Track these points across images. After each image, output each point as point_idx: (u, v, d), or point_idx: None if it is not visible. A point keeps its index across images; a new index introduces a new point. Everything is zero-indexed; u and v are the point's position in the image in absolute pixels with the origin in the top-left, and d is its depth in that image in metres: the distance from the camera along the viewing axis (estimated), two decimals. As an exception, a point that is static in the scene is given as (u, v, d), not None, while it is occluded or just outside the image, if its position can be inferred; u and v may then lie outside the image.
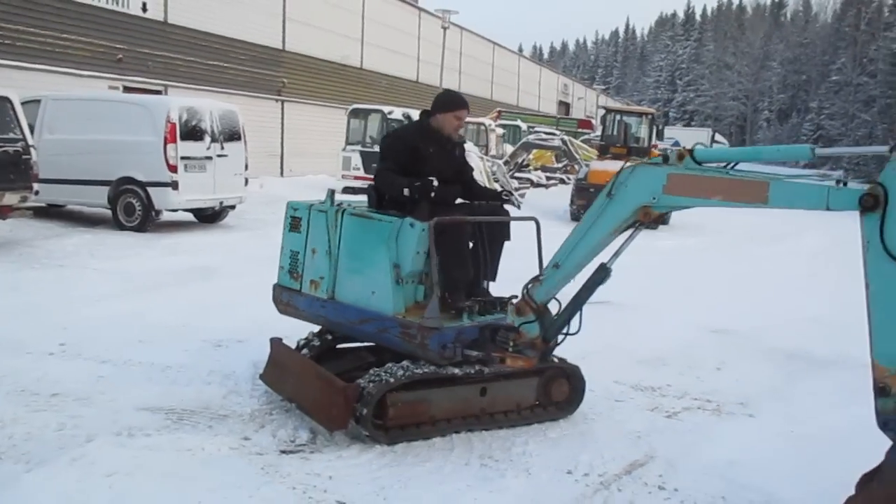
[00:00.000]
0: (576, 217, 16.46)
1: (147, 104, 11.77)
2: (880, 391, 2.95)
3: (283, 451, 4.07)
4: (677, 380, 5.84)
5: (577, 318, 4.07)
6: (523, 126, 30.42)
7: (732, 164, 3.55)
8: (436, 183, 4.49)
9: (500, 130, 27.46)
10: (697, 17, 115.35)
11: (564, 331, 4.14)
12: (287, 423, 4.42)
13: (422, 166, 4.67)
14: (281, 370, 4.81)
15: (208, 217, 12.97)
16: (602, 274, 3.99)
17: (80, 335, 5.85)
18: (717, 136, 50.40)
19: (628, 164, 3.82)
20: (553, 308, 4.16)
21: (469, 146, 21.35)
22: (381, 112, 19.82)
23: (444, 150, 4.85)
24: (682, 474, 4.11)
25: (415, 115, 21.03)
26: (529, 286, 4.08)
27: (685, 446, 4.53)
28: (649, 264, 12.50)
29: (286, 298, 5.06)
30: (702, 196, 3.53)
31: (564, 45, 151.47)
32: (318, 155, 24.03)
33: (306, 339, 5.12)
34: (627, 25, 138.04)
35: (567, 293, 4.09)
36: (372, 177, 15.76)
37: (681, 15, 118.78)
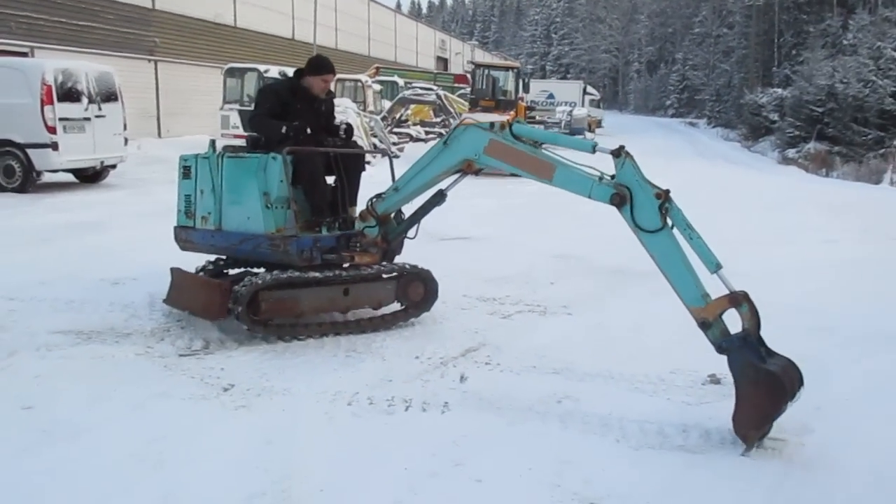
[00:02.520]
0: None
1: (21, 67, 11.95)
2: (704, 326, 3.96)
3: (182, 355, 4.92)
4: (515, 292, 7.00)
5: (415, 228, 5.44)
6: (401, 82, 31.08)
7: (540, 143, 4.64)
8: (309, 130, 5.49)
9: (378, 87, 28.08)
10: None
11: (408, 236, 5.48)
12: (184, 335, 5.27)
13: (291, 118, 5.57)
14: (178, 290, 5.69)
15: (89, 177, 13.28)
16: (439, 198, 5.19)
17: (-20, 280, 6.42)
18: (589, 89, 52.45)
19: (465, 122, 4.90)
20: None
21: (347, 102, 22.02)
22: (258, 71, 20.19)
23: (311, 107, 5.79)
24: (506, 354, 5.23)
25: (290, 73, 21.40)
26: (374, 200, 5.28)
27: (512, 336, 5.66)
28: (513, 206, 13.77)
29: (184, 235, 5.90)
30: (509, 163, 4.57)
31: (443, 0, 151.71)
32: (196, 115, 24.05)
33: (203, 265, 6.05)
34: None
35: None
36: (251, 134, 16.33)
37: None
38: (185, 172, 5.84)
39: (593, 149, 4.36)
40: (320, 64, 5.79)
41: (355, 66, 34.24)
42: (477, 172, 4.84)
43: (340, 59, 35.73)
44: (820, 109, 40.47)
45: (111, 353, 4.84)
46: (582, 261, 8.61)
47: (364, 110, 23.51)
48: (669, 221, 4.03)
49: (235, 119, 19.61)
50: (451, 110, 24.64)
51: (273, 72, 19.86)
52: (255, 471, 3.43)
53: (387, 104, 26.74)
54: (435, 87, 27.01)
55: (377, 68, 33.87)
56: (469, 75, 25.56)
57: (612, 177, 4.20)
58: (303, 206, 5.54)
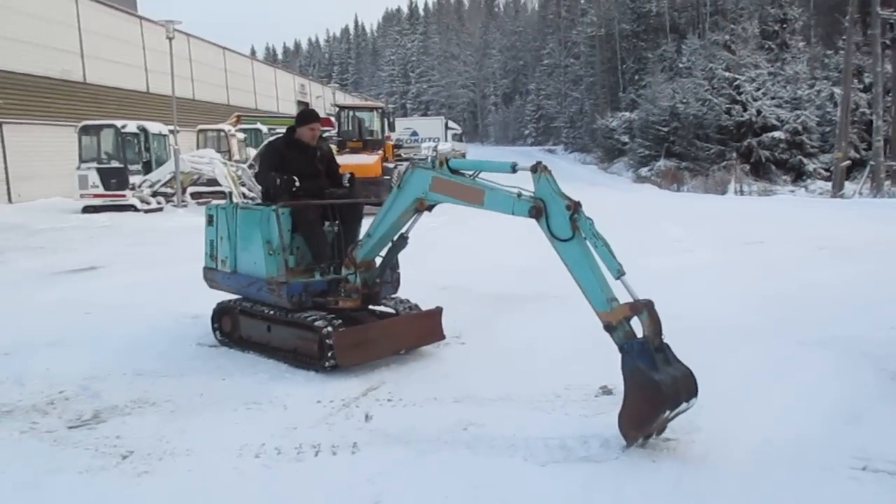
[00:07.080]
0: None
1: None
2: (609, 329, 4.18)
3: (71, 427, 4.69)
4: (407, 327, 7.09)
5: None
6: (264, 129, 30.77)
7: (476, 173, 4.90)
8: (297, 180, 6.03)
9: (241, 135, 27.70)
10: (421, 12, 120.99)
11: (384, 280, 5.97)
12: (69, 407, 5.03)
13: (288, 167, 6.15)
14: (367, 344, 5.75)
15: (-63, 251, 12.37)
16: (401, 241, 5.63)
17: None
18: (451, 123, 53.61)
19: (412, 165, 5.42)
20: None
21: (211, 153, 21.62)
22: (115, 126, 19.55)
23: (304, 155, 6.31)
24: (406, 389, 5.31)
25: (150, 126, 20.94)
26: (353, 248, 5.72)
27: (410, 371, 5.76)
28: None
29: (210, 275, 6.58)
30: (451, 195, 4.95)
31: (298, 45, 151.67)
32: (48, 176, 22.92)
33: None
34: (357, 22, 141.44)
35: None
36: (112, 193, 16.56)
37: (405, 10, 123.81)
38: (209, 220, 6.54)
39: (514, 168, 4.63)
40: (305, 115, 6.43)
41: (216, 116, 33.65)
42: (430, 209, 5.25)
43: (199, 109, 35.12)
44: (665, 129, 43.25)
45: (-8, 434, 4.56)
46: (464, 290, 8.82)
47: (230, 160, 23.14)
48: (583, 232, 4.28)
49: (94, 178, 18.82)
50: (319, 153, 24.61)
51: (131, 126, 19.28)
52: (171, 535, 3.34)
53: (252, 152, 26.40)
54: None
55: (238, 116, 33.36)
56: (333, 118, 25.66)
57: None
58: (305, 252, 5.99)
